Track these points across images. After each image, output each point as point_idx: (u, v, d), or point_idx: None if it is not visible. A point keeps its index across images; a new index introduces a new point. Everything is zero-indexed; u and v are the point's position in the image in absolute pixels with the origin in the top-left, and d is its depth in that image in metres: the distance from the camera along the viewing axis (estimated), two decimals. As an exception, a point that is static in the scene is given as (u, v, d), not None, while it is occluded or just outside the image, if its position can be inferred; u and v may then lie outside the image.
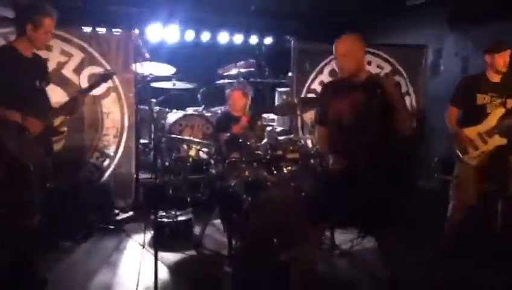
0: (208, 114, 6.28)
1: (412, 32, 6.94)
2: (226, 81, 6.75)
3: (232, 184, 4.20)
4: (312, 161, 4.58)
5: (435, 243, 4.35)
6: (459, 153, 4.02)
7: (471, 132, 3.94)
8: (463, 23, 6.07)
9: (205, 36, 7.51)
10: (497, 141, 3.88)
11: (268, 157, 4.32)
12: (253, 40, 7.86)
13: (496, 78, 3.94)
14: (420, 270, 3.85)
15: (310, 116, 5.84)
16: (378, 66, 6.31)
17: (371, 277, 3.84)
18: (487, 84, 3.95)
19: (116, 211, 4.99)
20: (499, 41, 3.95)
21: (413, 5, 6.64)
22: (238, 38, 7.72)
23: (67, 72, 4.92)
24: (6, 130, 3.09)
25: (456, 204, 4.13)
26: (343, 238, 4.47)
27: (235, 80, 6.67)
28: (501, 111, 3.87)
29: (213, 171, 4.66)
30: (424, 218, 5.19)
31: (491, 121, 3.88)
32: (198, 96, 6.66)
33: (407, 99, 6.45)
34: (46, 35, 3.28)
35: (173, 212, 4.45)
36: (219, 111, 6.20)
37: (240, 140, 4.29)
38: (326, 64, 6.12)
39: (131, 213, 5.04)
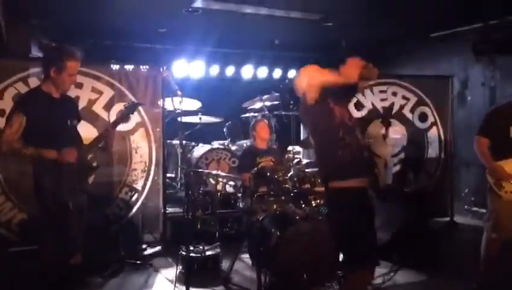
0: (234, 148, 6.31)
1: (437, 63, 6.93)
2: (251, 114, 6.80)
3: (260, 218, 4.18)
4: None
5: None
6: (495, 188, 3.87)
7: (508, 165, 3.80)
8: (489, 52, 6.03)
9: (230, 70, 7.64)
10: None
11: (296, 190, 4.30)
12: (277, 73, 7.96)
13: None
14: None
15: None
16: (403, 97, 6.29)
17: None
18: None
19: (144, 246, 4.99)
20: None
21: (438, 35, 6.65)
22: (262, 72, 7.82)
23: (98, 108, 5.04)
24: (44, 170, 3.15)
25: (492, 240, 3.98)
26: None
27: (260, 113, 6.72)
28: None
29: (241, 205, 4.64)
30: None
31: None
32: (224, 130, 6.71)
33: (434, 129, 6.40)
34: (70, 77, 3.34)
35: (201, 247, 4.43)
36: (245, 144, 6.22)
37: (268, 173, 4.29)
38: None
39: (159, 248, 5.04)
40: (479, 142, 3.96)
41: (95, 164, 3.70)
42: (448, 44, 6.67)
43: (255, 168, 4.41)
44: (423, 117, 6.36)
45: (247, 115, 6.92)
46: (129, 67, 5.36)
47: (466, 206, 6.70)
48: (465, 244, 5.51)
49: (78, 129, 3.56)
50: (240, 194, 4.85)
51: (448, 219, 6.36)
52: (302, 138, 6.88)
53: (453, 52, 6.71)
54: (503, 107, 4.03)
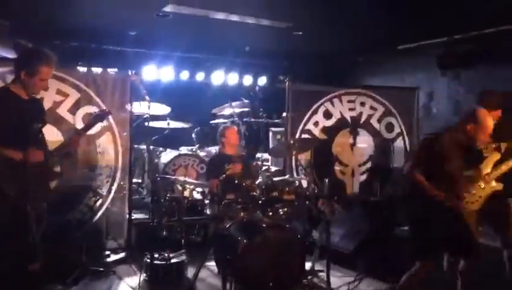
0: (202, 154, 6.27)
1: (404, 75, 7.08)
2: (221, 120, 6.78)
3: (227, 226, 4.15)
4: (307, 202, 4.55)
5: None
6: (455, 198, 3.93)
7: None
8: (453, 66, 6.20)
9: (200, 76, 7.60)
10: (494, 186, 3.87)
11: (263, 198, 4.29)
12: (248, 80, 7.96)
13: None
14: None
15: (304, 156, 5.86)
16: (371, 108, 6.38)
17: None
18: None
19: (108, 253, 4.88)
20: (494, 96, 4.04)
21: (405, 48, 6.80)
22: (233, 79, 7.81)
23: (63, 111, 4.91)
24: (6, 171, 3.04)
25: None
26: (339, 281, 4.40)
27: (229, 120, 6.71)
28: (497, 156, 3.89)
29: (208, 212, 4.61)
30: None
31: (488, 165, 3.89)
32: (193, 135, 6.66)
33: (400, 140, 6.52)
34: (42, 82, 3.24)
35: (166, 254, 4.36)
36: (213, 151, 6.19)
37: (236, 181, 4.27)
38: (320, 105, 6.18)
39: (123, 254, 4.94)
40: None
41: (58, 169, 3.61)
42: (414, 57, 6.82)
43: (223, 175, 4.38)
44: (390, 127, 6.48)
45: (216, 121, 6.90)
46: (97, 70, 5.26)
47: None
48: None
49: (43, 133, 3.46)
50: (207, 201, 4.81)
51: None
52: (271, 145, 6.89)
53: (419, 64, 6.87)
54: None
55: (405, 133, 6.53)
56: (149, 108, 4.98)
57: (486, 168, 3.89)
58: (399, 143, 6.52)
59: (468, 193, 3.86)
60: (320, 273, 4.46)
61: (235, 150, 5.00)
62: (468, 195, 3.86)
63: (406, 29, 6.03)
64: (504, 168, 3.83)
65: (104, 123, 5.06)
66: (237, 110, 6.82)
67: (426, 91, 6.88)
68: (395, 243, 5.50)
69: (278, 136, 6.81)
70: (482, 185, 3.86)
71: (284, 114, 6.33)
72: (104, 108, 4.81)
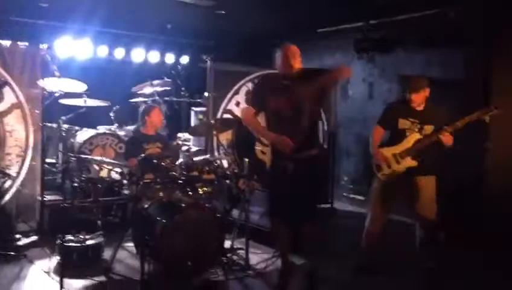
0: (121, 133, 6.09)
1: (323, 58, 7.28)
2: (141, 99, 6.61)
3: (146, 206, 4.10)
4: (228, 181, 4.60)
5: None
6: (375, 170, 4.30)
7: (387, 151, 4.22)
8: (368, 50, 6.46)
9: (119, 53, 7.33)
10: (409, 162, 4.16)
11: (183, 178, 4.27)
12: (170, 58, 7.80)
13: (418, 107, 4.21)
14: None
15: (226, 136, 5.89)
16: (291, 89, 6.50)
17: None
18: (410, 110, 4.22)
19: (18, 236, 4.64)
20: (418, 81, 4.24)
21: (324, 32, 6.97)
22: (154, 57, 7.62)
23: (-35, 86, 4.57)
24: None
25: (371, 217, 4.40)
26: (258, 258, 4.50)
27: (150, 99, 6.56)
28: (417, 136, 4.16)
29: (126, 192, 4.51)
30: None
31: (407, 144, 4.16)
32: (111, 114, 6.44)
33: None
34: None
35: (82, 236, 4.23)
36: (133, 130, 6.03)
37: (155, 160, 4.20)
38: (242, 86, 6.21)
39: (34, 238, 4.72)
40: (375, 130, 4.37)
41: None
42: (333, 40, 7.03)
43: (142, 155, 4.30)
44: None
45: (136, 100, 6.72)
46: (5, 42, 4.92)
47: (345, 194, 7.16)
48: (343, 229, 5.91)
49: None
50: (126, 181, 4.70)
51: (328, 205, 6.74)
52: (192, 124, 6.84)
53: (337, 48, 7.09)
54: (399, 101, 4.51)
55: (322, 114, 6.73)
56: (60, 84, 4.75)
57: (406, 145, 4.17)
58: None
59: (389, 167, 4.19)
60: (240, 251, 4.55)
61: (155, 129, 4.91)
62: (386, 167, 4.21)
63: (325, 13, 6.18)
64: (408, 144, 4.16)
65: (13, 100, 4.78)
66: (158, 89, 6.69)
67: (343, 74, 7.12)
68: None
69: (200, 116, 6.77)
70: (399, 160, 4.17)
71: (206, 94, 6.30)
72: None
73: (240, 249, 4.56)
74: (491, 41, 4.81)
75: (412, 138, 4.16)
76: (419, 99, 4.13)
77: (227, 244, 4.46)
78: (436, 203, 4.19)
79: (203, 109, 6.63)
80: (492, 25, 4.90)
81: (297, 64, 3.77)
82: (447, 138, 4.06)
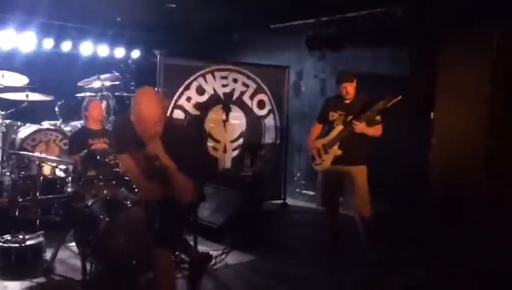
0: (67, 129, 5.86)
1: (276, 54, 7.27)
2: (88, 94, 6.39)
3: (89, 204, 3.96)
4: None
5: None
6: (311, 161, 4.60)
7: (318, 143, 4.51)
8: (320, 47, 6.50)
9: (66, 45, 7.08)
10: (335, 151, 4.39)
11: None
12: (119, 52, 7.61)
13: (346, 100, 4.42)
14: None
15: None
16: (243, 84, 6.48)
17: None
18: (339, 103, 4.47)
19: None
20: (343, 74, 4.47)
21: (277, 28, 6.97)
22: (103, 50, 7.40)
23: None
24: None
25: (321, 206, 4.73)
26: (206, 255, 4.45)
27: (98, 94, 6.36)
28: (341, 127, 4.38)
29: (68, 190, 4.34)
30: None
31: (333, 134, 4.41)
32: (56, 109, 6.19)
33: (271, 116, 6.72)
34: None
35: (21, 236, 4.04)
36: (79, 125, 5.83)
37: (98, 156, 4.06)
38: (193, 81, 6.12)
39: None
40: (313, 126, 4.68)
41: None
42: (286, 36, 7.03)
43: (84, 151, 4.14)
44: (261, 104, 6.64)
45: (83, 94, 6.49)
46: None
47: (297, 189, 7.20)
48: (295, 225, 5.94)
49: None
50: (69, 179, 4.54)
51: (281, 201, 6.76)
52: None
53: (290, 44, 7.09)
54: (332, 96, 4.75)
55: (276, 111, 6.75)
56: (2, 78, 4.51)
57: (332, 136, 4.43)
58: (270, 120, 6.72)
59: (320, 157, 4.47)
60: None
61: (100, 125, 4.76)
62: (318, 158, 4.50)
63: (278, 9, 6.17)
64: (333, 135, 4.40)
65: None
66: (107, 84, 6.48)
67: (296, 70, 7.15)
68: (263, 216, 5.75)
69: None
70: (327, 150, 4.44)
71: (156, 89, 6.17)
72: None
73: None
74: (436, 40, 4.92)
75: (337, 128, 4.40)
76: (346, 92, 4.35)
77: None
78: (370, 194, 4.35)
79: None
80: (436, 24, 5.01)
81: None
82: (369, 129, 4.16)
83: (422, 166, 5.16)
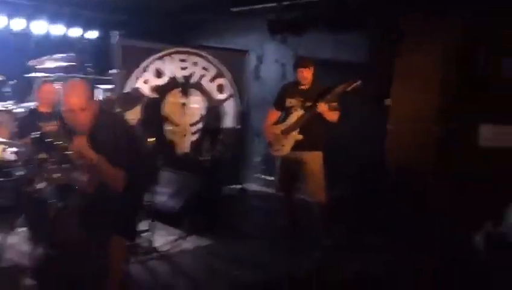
0: (19, 110, 5.64)
1: (237, 38, 7.20)
2: (42, 74, 6.16)
3: (39, 188, 3.83)
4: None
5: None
6: (269, 147, 4.60)
7: (276, 129, 4.50)
8: (281, 31, 6.48)
9: (18, 24, 6.79)
10: (295, 136, 4.39)
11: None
12: (75, 32, 7.37)
13: (303, 86, 4.42)
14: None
15: (135, 114, 5.66)
16: (203, 68, 6.40)
17: (188, 279, 3.82)
18: (296, 89, 4.46)
19: None
20: (301, 59, 4.50)
21: (239, 11, 6.89)
22: (58, 30, 7.15)
23: None
24: None
25: (279, 192, 4.71)
26: (163, 240, 4.42)
27: (53, 74, 6.14)
28: (300, 112, 4.37)
29: (18, 173, 4.18)
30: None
31: (291, 120, 4.41)
32: (8, 90, 5.95)
33: (231, 101, 6.67)
34: None
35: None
36: (32, 107, 5.62)
37: (50, 139, 3.92)
38: (151, 63, 5.99)
39: None
40: (269, 112, 4.67)
41: None
42: (247, 20, 6.96)
43: (36, 133, 3.99)
44: (221, 88, 6.58)
45: (36, 74, 6.25)
46: None
47: (256, 175, 7.21)
48: (253, 210, 5.96)
49: None
50: (20, 162, 4.37)
51: (240, 186, 6.76)
52: (99, 103, 6.52)
53: (251, 28, 7.03)
54: (289, 83, 4.74)
55: (236, 95, 6.70)
56: None
57: (291, 121, 4.43)
58: (229, 104, 6.67)
59: (279, 142, 4.46)
60: (144, 233, 4.42)
61: (53, 106, 4.60)
62: (277, 144, 4.49)
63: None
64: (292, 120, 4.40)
65: None
66: (62, 64, 6.27)
67: (257, 54, 7.11)
68: (222, 201, 5.75)
69: (108, 94, 6.46)
70: (286, 136, 4.43)
71: (114, 71, 6.02)
72: None
73: (146, 231, 4.42)
74: (394, 26, 4.98)
75: (296, 114, 4.38)
76: (302, 77, 4.36)
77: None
78: (325, 180, 4.39)
79: (111, 86, 6.33)
80: (396, 10, 5.07)
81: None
82: (329, 114, 4.22)
83: (379, 152, 5.25)
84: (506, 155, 4.46)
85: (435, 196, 4.70)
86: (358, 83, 4.20)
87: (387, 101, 4.44)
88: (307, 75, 4.35)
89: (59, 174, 3.87)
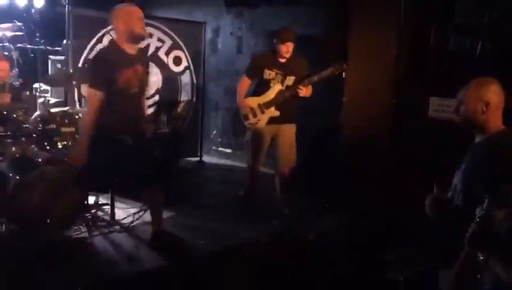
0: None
1: (194, 10, 7.13)
2: (-13, 44, 5.87)
3: (-4, 162, 3.74)
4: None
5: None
6: (243, 120, 4.53)
7: (253, 101, 4.45)
8: (237, 4, 6.46)
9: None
10: (272, 112, 4.40)
11: (39, 131, 3.96)
12: (21, 1, 7.01)
13: (283, 59, 4.41)
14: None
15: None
16: (159, 40, 6.30)
17: (148, 252, 3.85)
18: (276, 62, 4.42)
19: None
20: (285, 32, 4.39)
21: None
22: (3, -2, 6.78)
23: None
24: None
25: (249, 165, 4.73)
26: (124, 213, 4.42)
27: (-1, 44, 5.86)
28: (279, 87, 4.39)
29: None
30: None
31: (271, 94, 4.39)
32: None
33: (187, 74, 6.64)
34: None
35: None
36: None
37: (5, 112, 3.82)
38: (106, 34, 5.83)
39: None
40: (241, 81, 4.53)
41: None
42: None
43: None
44: (177, 61, 6.52)
45: (-19, 45, 5.95)
46: None
47: (213, 147, 7.27)
48: (211, 182, 6.03)
49: None
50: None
51: (197, 158, 6.80)
52: (50, 73, 6.30)
53: (207, 1, 6.97)
54: (265, 52, 4.70)
55: (192, 67, 6.66)
56: None
57: (270, 96, 4.40)
58: (186, 77, 6.63)
59: (255, 116, 4.43)
60: (105, 207, 4.40)
61: (3, 79, 4.43)
62: (252, 117, 4.45)
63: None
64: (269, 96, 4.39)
65: None
66: (8, 34, 5.98)
67: (213, 27, 7.07)
68: (180, 173, 5.78)
69: (59, 65, 6.25)
70: (264, 110, 4.41)
71: (65, 41, 5.82)
72: None
73: (106, 204, 4.41)
74: (349, 2, 5.07)
75: (275, 88, 4.38)
76: (285, 51, 4.31)
77: (91, 200, 4.28)
78: (296, 153, 4.48)
79: (62, 57, 6.12)
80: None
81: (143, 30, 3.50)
82: (306, 91, 4.32)
83: (335, 124, 5.41)
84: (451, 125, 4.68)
85: (385, 165, 4.91)
86: (345, 67, 4.26)
87: (343, 75, 4.55)
88: (290, 49, 4.31)
89: (17, 148, 3.81)
